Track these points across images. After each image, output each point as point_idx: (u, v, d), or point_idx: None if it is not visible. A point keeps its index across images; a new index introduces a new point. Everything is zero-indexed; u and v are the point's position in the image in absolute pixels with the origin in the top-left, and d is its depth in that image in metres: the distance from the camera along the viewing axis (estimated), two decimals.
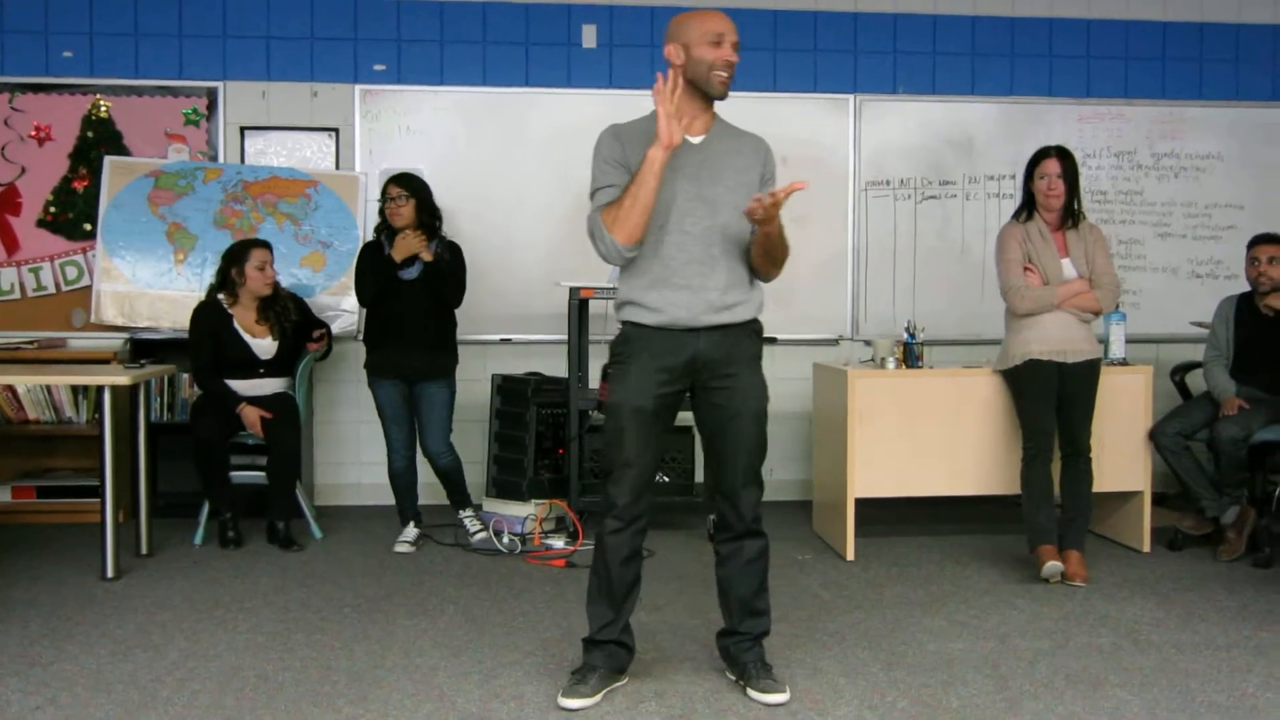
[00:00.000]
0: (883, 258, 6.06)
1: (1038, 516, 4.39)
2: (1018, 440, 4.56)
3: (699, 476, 5.29)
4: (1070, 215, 4.47)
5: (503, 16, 5.82)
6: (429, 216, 4.82)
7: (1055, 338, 4.39)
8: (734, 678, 3.20)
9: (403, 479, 4.91)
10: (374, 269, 4.76)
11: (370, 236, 5.06)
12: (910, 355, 4.83)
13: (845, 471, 4.70)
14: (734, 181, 3.03)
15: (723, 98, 3.07)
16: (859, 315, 6.04)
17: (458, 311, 4.92)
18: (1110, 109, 6.16)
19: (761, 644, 3.19)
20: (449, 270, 4.80)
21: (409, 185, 4.78)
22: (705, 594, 4.17)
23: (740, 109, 5.64)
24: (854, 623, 3.86)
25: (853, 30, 5.99)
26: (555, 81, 5.85)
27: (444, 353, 4.87)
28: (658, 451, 3.11)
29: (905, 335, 4.86)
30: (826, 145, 5.98)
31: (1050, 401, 4.42)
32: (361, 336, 5.10)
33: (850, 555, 4.72)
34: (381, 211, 4.85)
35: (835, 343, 5.99)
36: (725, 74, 3.01)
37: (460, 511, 4.98)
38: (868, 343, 5.55)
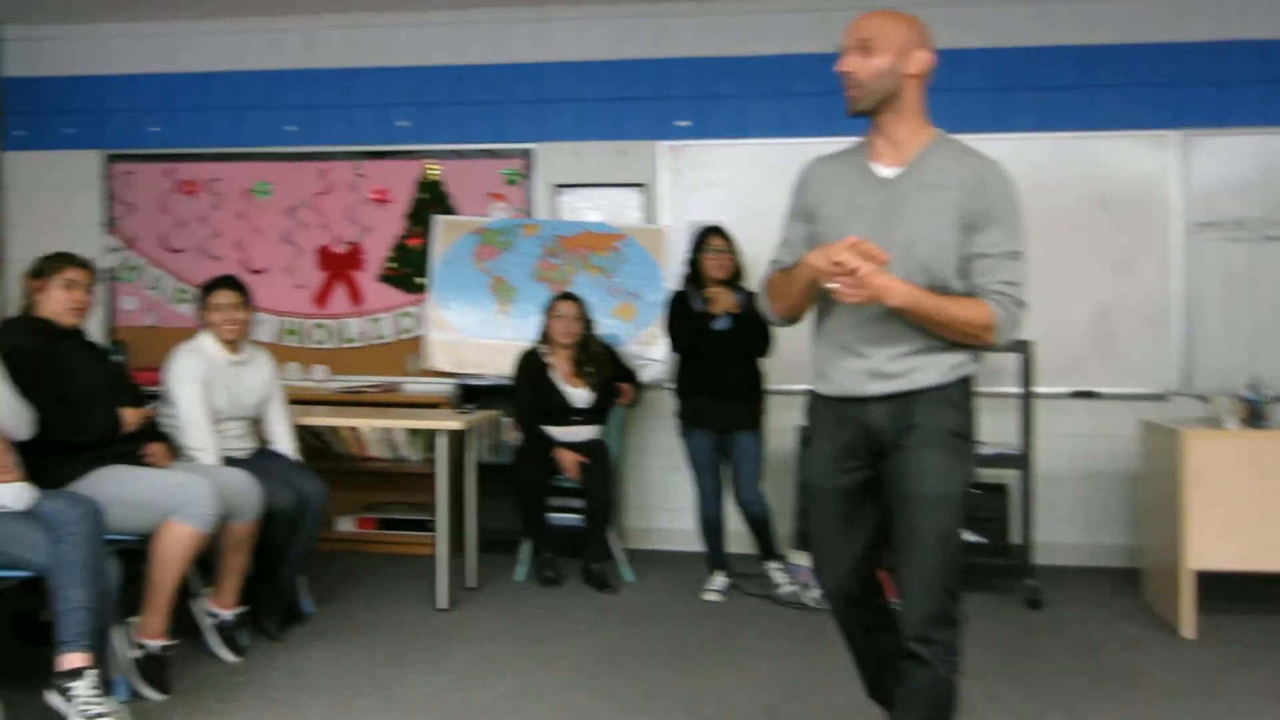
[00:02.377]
0: (1216, 305, 5.62)
1: None
2: None
3: (1015, 536, 5.09)
4: None
5: (802, 68, 5.89)
6: (738, 266, 4.93)
7: None
8: None
9: (712, 527, 4.98)
10: (686, 320, 4.89)
11: (676, 286, 5.21)
12: (1255, 414, 4.44)
13: (1181, 540, 4.34)
14: (923, 226, 2.47)
15: (853, 115, 2.59)
16: (1189, 368, 5.62)
17: (766, 361, 4.99)
18: None
19: None
20: (758, 321, 4.86)
21: (728, 237, 4.91)
22: (1025, 662, 4.03)
23: (1051, 149, 5.60)
24: (1194, 709, 3.57)
25: (1175, 62, 5.63)
26: (860, 128, 5.84)
27: (754, 402, 4.93)
28: (864, 535, 2.64)
29: (1248, 392, 4.49)
30: (1147, 184, 5.64)
31: None
32: (670, 385, 5.23)
33: (1189, 633, 4.35)
34: (691, 262, 4.97)
35: (1163, 398, 5.62)
36: (846, 89, 2.55)
37: (767, 562, 5.00)
38: (1202, 399, 5.20)
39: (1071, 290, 5.62)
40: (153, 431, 4.06)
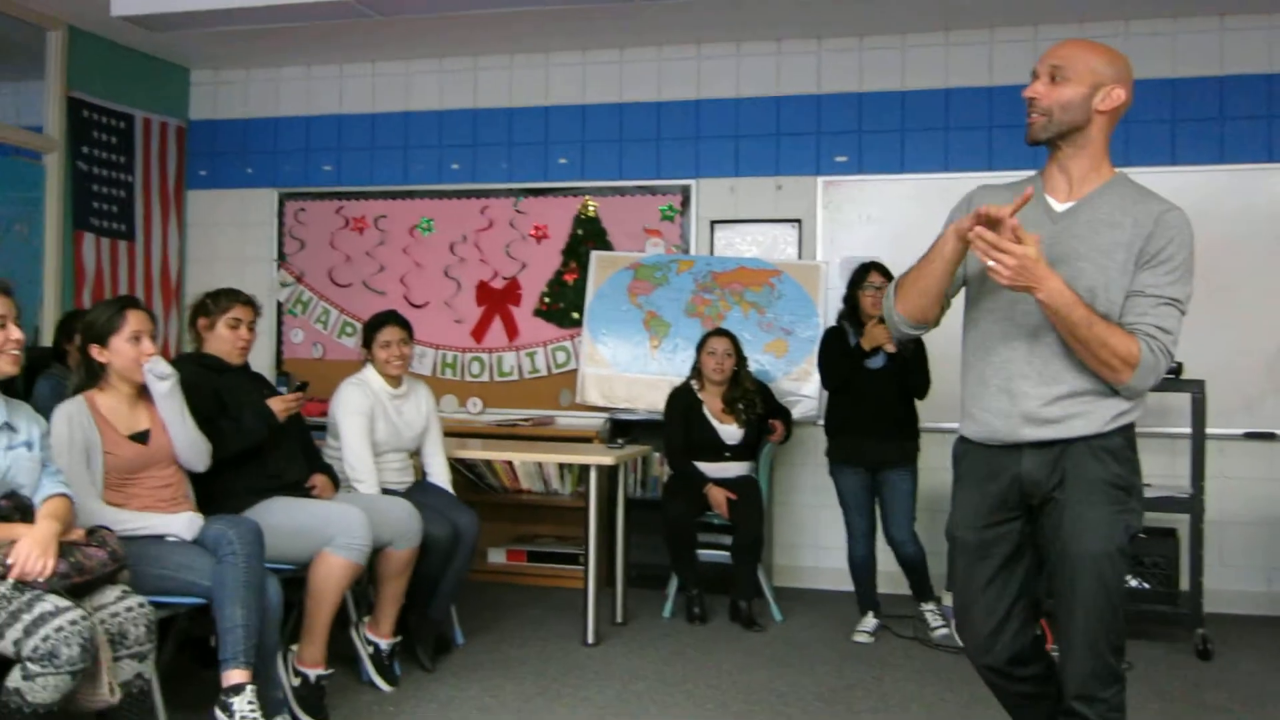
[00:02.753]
0: None
1: None
2: None
3: (1184, 583, 4.84)
4: None
5: (964, 102, 5.77)
6: None
7: None
8: None
9: (862, 567, 4.89)
10: (840, 357, 4.83)
11: (830, 323, 5.15)
12: None
13: None
14: (1090, 264, 2.35)
15: (1031, 143, 2.45)
16: None
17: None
18: None
19: None
20: (914, 360, 4.77)
21: (888, 274, 4.79)
22: (1194, 716, 3.82)
23: (1229, 183, 5.33)
24: None
25: None
26: (1021, 163, 5.67)
27: (907, 440, 4.84)
28: (1010, 595, 2.49)
29: None
30: None
31: None
32: (822, 423, 5.16)
33: None
34: (848, 299, 4.91)
35: None
36: (1030, 114, 2.41)
37: (922, 604, 4.88)
38: None
39: (1249, 328, 5.35)
40: (318, 463, 4.20)
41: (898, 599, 5.14)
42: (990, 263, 2.25)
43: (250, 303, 3.97)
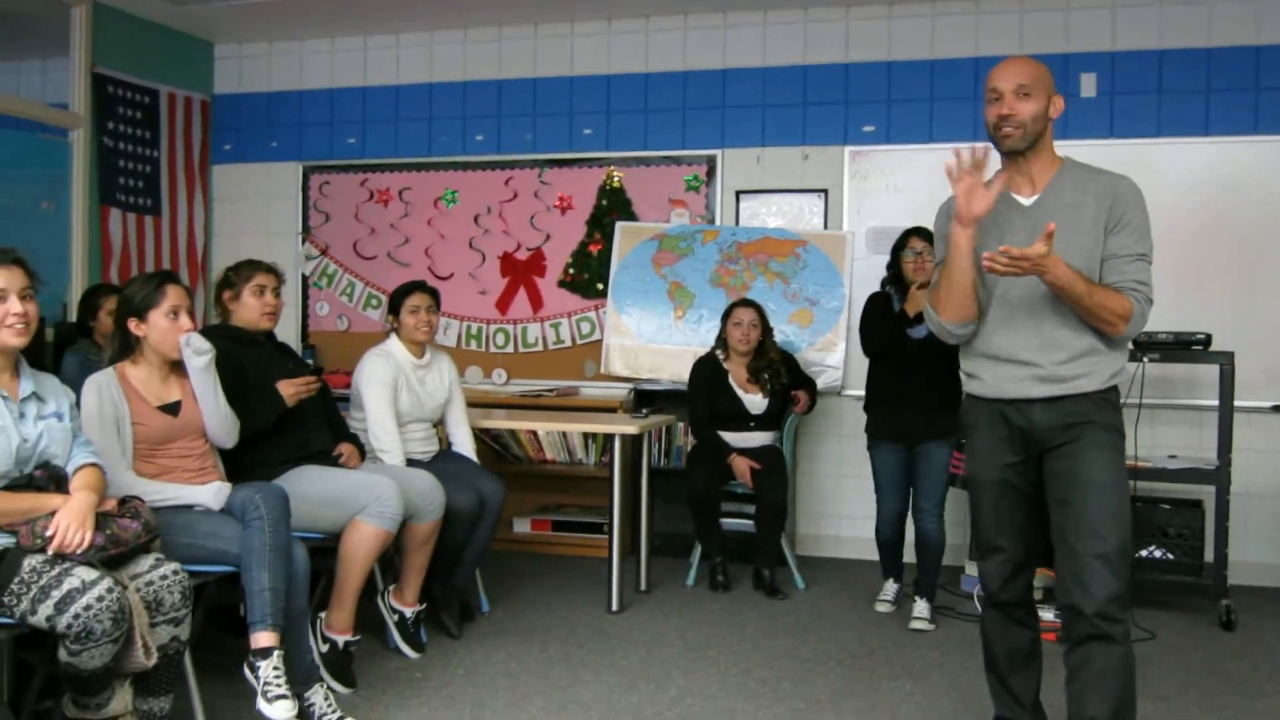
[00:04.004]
0: None
1: None
2: None
3: (1209, 555, 4.81)
4: None
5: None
6: None
7: None
8: None
9: (889, 547, 4.82)
10: (883, 322, 4.68)
11: (853, 294, 5.10)
12: None
13: None
14: (1070, 241, 2.70)
15: (1011, 152, 2.81)
16: None
17: None
18: None
19: None
20: None
21: (932, 239, 4.62)
22: (1216, 685, 3.83)
23: (1261, 153, 5.27)
24: None
25: None
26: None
27: (947, 413, 4.50)
28: (1030, 530, 2.88)
29: None
30: None
31: None
32: (848, 393, 5.12)
33: None
34: (892, 265, 4.73)
35: None
36: (1008, 129, 2.76)
37: (917, 598, 4.65)
38: None
39: (1278, 301, 5.28)
40: (343, 432, 4.23)
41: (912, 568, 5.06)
42: (990, 262, 2.62)
43: (273, 270, 3.98)
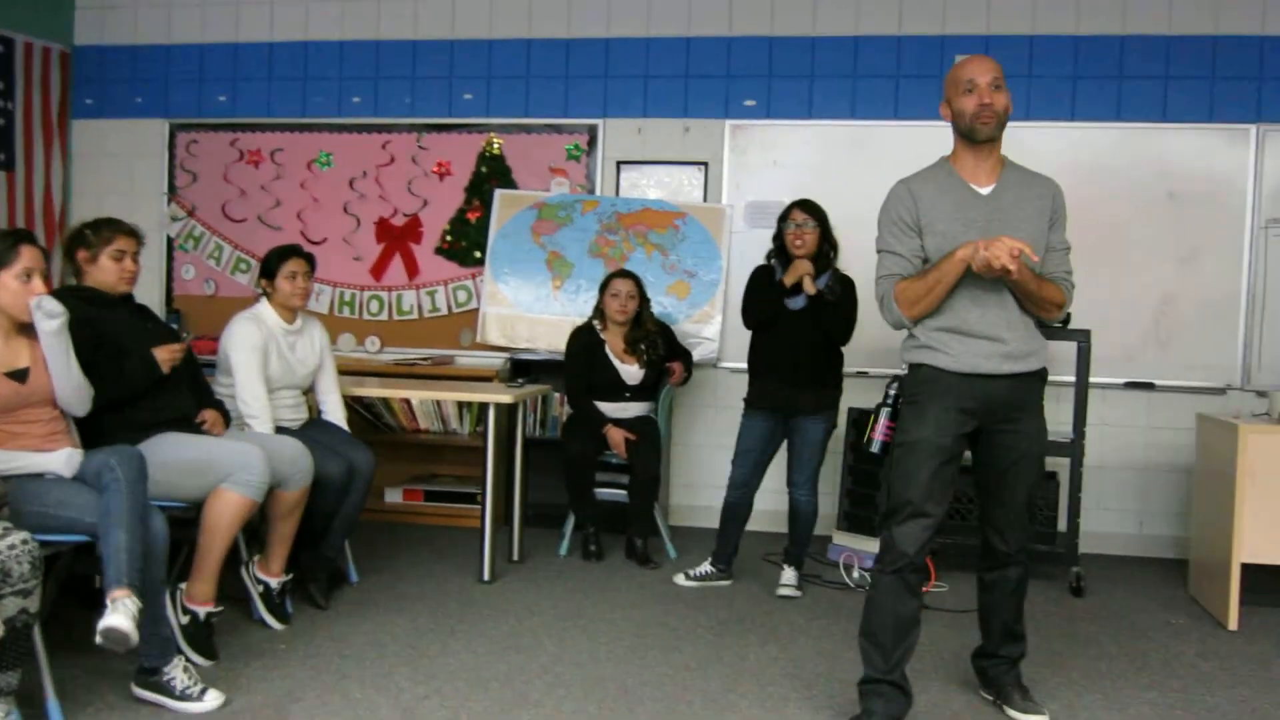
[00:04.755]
0: None
1: None
2: None
3: (1062, 525, 5.01)
4: None
5: (874, 50, 5.81)
6: (827, 246, 4.61)
7: None
8: (990, 697, 3.43)
9: (732, 515, 4.76)
10: (763, 295, 4.66)
11: (733, 266, 5.14)
12: None
13: (1231, 533, 4.31)
14: (1025, 232, 3.04)
15: (991, 139, 3.09)
16: (1251, 363, 5.48)
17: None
18: None
19: (1019, 666, 3.39)
20: (840, 304, 4.56)
21: (814, 212, 4.59)
22: (1066, 648, 4.01)
23: (1123, 140, 5.47)
24: (1237, 699, 3.53)
25: (1258, 56, 5.48)
26: (926, 114, 5.74)
27: (824, 387, 4.62)
28: (949, 493, 3.13)
29: None
30: (1220, 179, 5.49)
31: None
32: (723, 365, 5.15)
33: (1233, 625, 4.31)
34: (777, 236, 4.69)
35: (1222, 392, 5.49)
36: (986, 116, 3.03)
37: (786, 566, 4.72)
38: (1261, 394, 5.13)
39: (1134, 281, 5.54)
40: (207, 398, 4.11)
41: (781, 538, 5.01)
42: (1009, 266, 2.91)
43: (134, 233, 3.81)
